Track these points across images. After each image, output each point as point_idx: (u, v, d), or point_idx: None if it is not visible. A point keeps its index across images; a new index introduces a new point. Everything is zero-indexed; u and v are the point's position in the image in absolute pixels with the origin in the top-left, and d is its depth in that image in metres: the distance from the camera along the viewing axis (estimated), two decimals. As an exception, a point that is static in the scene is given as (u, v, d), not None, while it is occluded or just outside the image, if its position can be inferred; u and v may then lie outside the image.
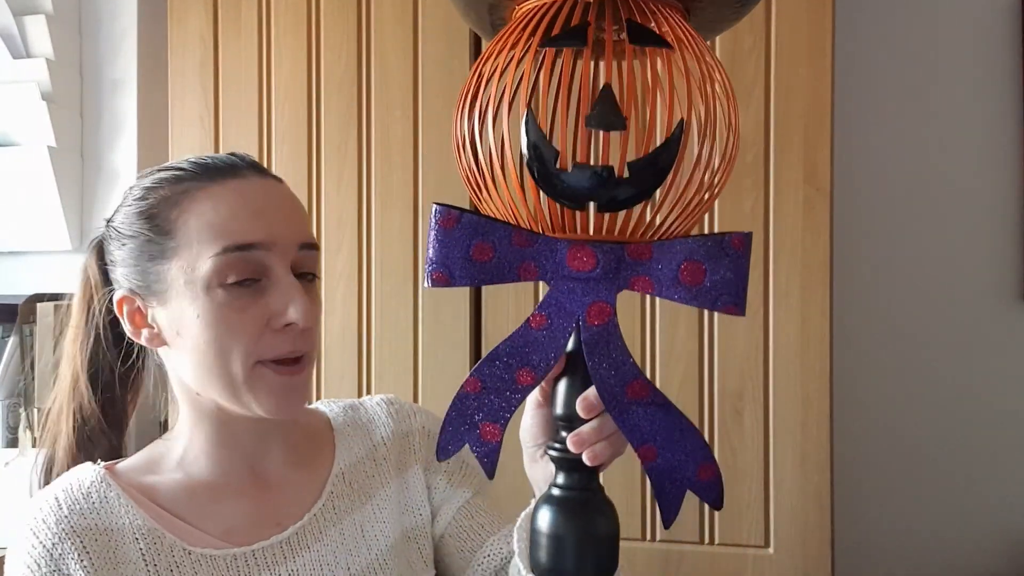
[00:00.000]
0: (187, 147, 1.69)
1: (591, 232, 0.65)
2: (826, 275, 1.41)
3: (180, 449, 0.90)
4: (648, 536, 1.47)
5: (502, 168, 0.65)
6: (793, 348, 1.41)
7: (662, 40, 0.63)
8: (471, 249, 0.65)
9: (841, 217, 1.69)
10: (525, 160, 0.64)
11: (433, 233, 0.66)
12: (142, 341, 0.89)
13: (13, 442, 1.64)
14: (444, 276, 0.65)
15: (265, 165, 1.65)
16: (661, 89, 0.64)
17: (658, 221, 0.65)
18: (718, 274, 0.64)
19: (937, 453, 1.79)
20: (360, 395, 1.60)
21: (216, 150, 1.68)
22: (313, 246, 0.88)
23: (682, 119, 0.63)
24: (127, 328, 0.89)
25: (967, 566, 1.76)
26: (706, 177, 0.65)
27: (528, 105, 0.64)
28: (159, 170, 0.89)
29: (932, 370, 1.79)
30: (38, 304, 1.65)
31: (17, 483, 1.61)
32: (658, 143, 0.63)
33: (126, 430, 0.96)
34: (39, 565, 0.81)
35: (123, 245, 0.88)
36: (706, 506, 1.43)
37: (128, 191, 0.90)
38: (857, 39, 1.81)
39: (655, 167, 0.63)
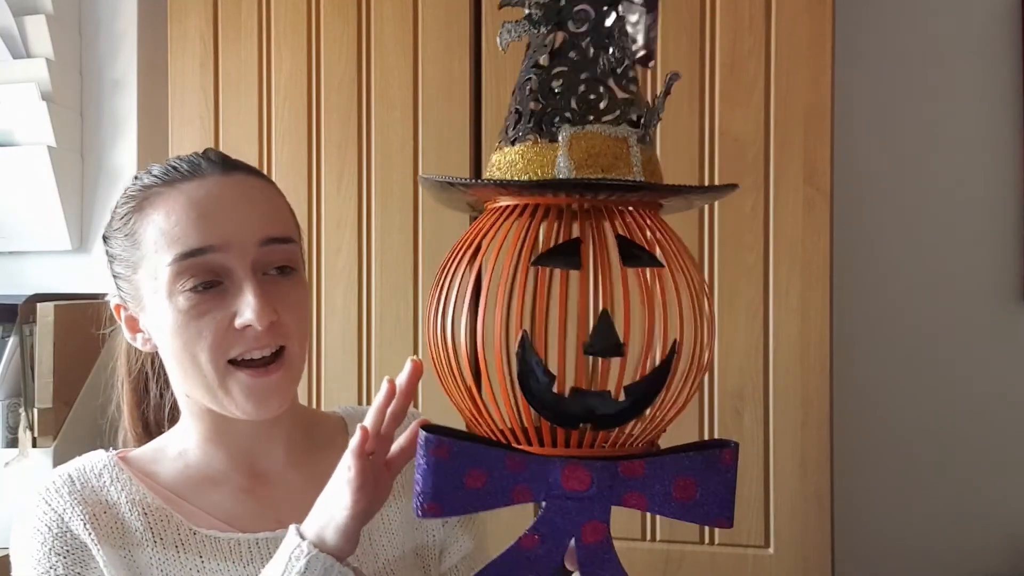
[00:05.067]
0: (187, 147, 1.68)
1: (580, 447, 0.64)
2: (826, 275, 1.41)
3: (180, 444, 0.92)
4: (648, 536, 1.47)
5: (485, 380, 0.64)
6: (793, 348, 1.41)
7: (655, 259, 0.63)
8: (464, 478, 0.62)
9: (841, 217, 1.69)
10: (519, 381, 0.62)
11: (424, 463, 0.63)
12: (138, 346, 0.91)
13: (13, 442, 1.64)
14: (437, 507, 0.63)
15: (265, 165, 1.66)
16: (651, 305, 0.64)
17: (635, 432, 0.65)
18: (709, 489, 0.64)
19: (937, 453, 1.79)
20: (360, 396, 1.60)
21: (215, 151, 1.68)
22: (280, 239, 0.87)
23: (675, 341, 0.63)
24: (126, 335, 0.92)
25: (967, 566, 1.76)
26: (686, 391, 0.65)
27: (523, 329, 0.63)
28: (139, 177, 0.90)
29: (932, 370, 1.79)
30: (38, 304, 1.65)
31: (17, 483, 1.61)
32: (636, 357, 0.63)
33: (164, 424, 0.98)
34: (49, 528, 0.83)
35: (112, 257, 0.90)
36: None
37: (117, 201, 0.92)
38: (857, 39, 1.81)
39: (651, 388, 0.63)
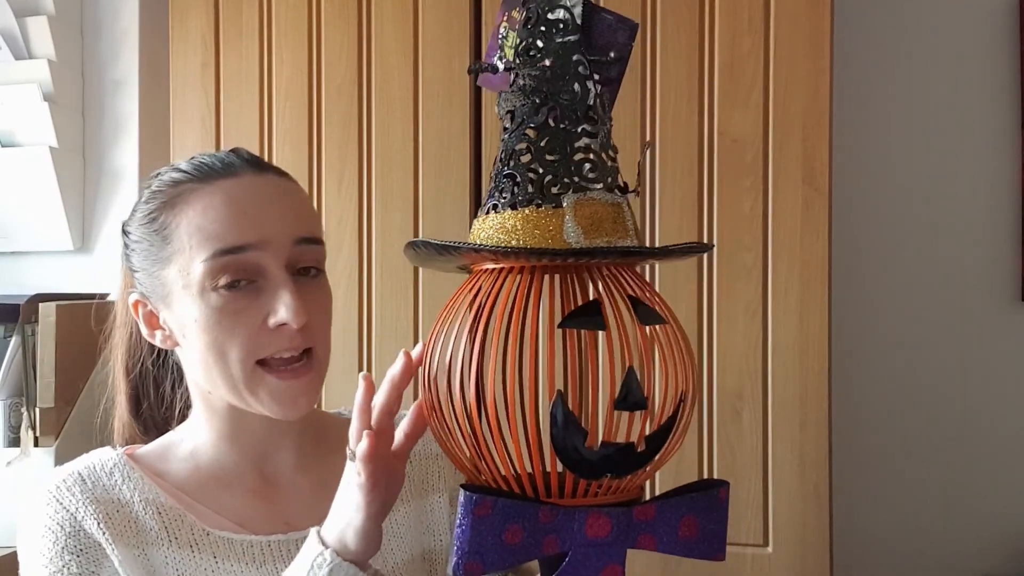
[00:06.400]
0: (188, 148, 1.69)
1: (585, 496, 0.67)
2: (824, 275, 1.41)
3: (192, 441, 0.92)
4: (647, 535, 1.47)
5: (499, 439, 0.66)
6: (792, 348, 1.42)
7: (661, 317, 0.67)
8: (504, 534, 0.63)
9: (840, 218, 1.69)
10: (552, 438, 0.64)
11: (466, 521, 0.63)
12: (157, 342, 0.91)
13: (15, 442, 1.65)
14: (477, 566, 0.63)
15: (266, 165, 1.66)
16: (664, 360, 0.68)
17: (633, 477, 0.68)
18: (709, 527, 0.68)
19: (935, 452, 1.79)
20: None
21: (217, 151, 1.69)
22: (312, 240, 0.87)
23: (682, 392, 0.67)
24: (144, 330, 0.91)
25: (965, 565, 1.77)
26: (683, 437, 0.69)
27: (558, 389, 0.65)
28: (163, 172, 0.90)
29: (930, 370, 1.79)
30: (40, 304, 1.66)
31: (18, 482, 1.61)
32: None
33: (173, 421, 0.98)
34: (62, 527, 0.83)
35: (133, 250, 0.89)
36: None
37: (140, 194, 0.92)
38: (856, 39, 1.81)
39: (664, 437, 0.67)
